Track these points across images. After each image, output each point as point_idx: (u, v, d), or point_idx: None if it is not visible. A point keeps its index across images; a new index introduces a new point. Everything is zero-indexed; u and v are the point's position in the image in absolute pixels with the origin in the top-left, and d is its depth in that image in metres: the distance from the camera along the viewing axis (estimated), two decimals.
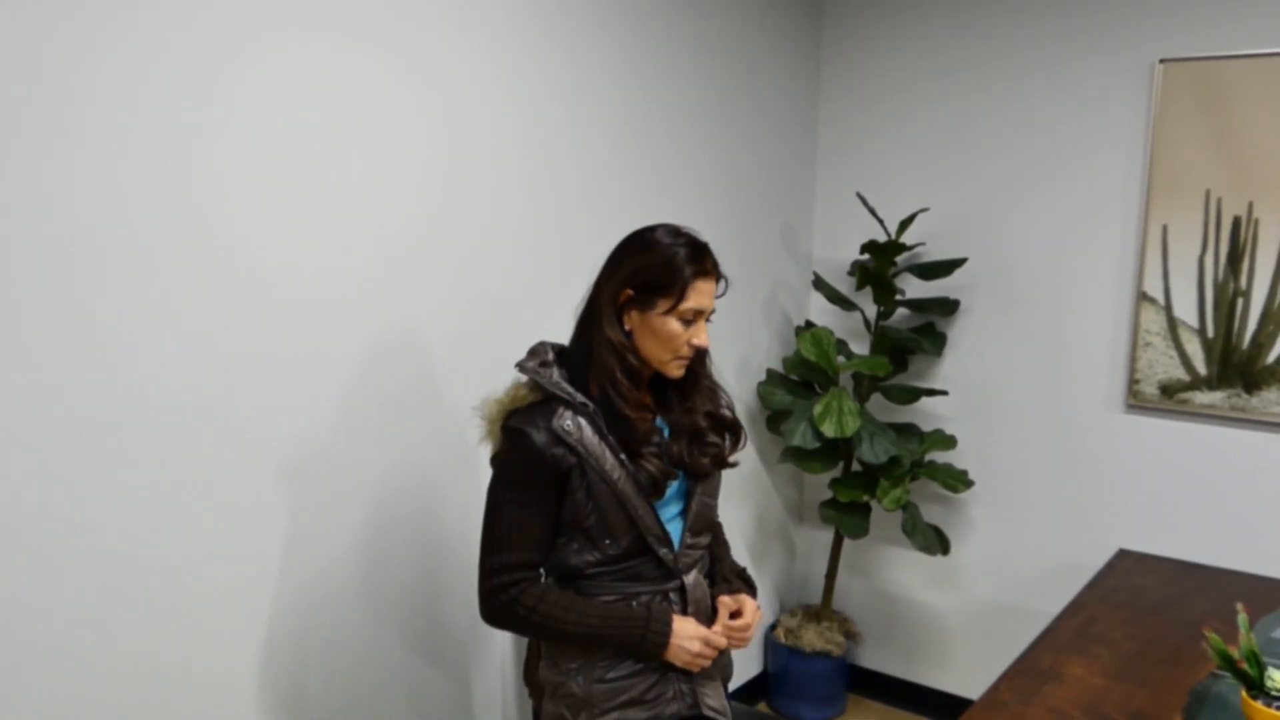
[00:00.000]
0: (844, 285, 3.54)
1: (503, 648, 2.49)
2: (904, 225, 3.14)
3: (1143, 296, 2.99)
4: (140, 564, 1.72)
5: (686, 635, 1.71)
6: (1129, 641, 2.11)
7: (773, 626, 3.57)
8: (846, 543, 3.60)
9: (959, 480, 3.18)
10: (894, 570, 3.58)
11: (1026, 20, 3.12)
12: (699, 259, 1.70)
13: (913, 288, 3.41)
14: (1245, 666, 1.59)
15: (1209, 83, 2.83)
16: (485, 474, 1.76)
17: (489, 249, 2.33)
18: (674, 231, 1.72)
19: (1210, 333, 2.91)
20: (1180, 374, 2.96)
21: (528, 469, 1.66)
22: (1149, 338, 3.00)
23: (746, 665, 3.51)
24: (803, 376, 3.32)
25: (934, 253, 3.36)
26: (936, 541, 3.17)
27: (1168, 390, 2.99)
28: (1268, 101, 2.75)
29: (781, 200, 3.41)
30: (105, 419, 1.65)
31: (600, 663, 1.73)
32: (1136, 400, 3.04)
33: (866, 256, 3.25)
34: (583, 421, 1.67)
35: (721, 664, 1.87)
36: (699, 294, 1.69)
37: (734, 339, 3.26)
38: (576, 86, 2.52)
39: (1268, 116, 2.76)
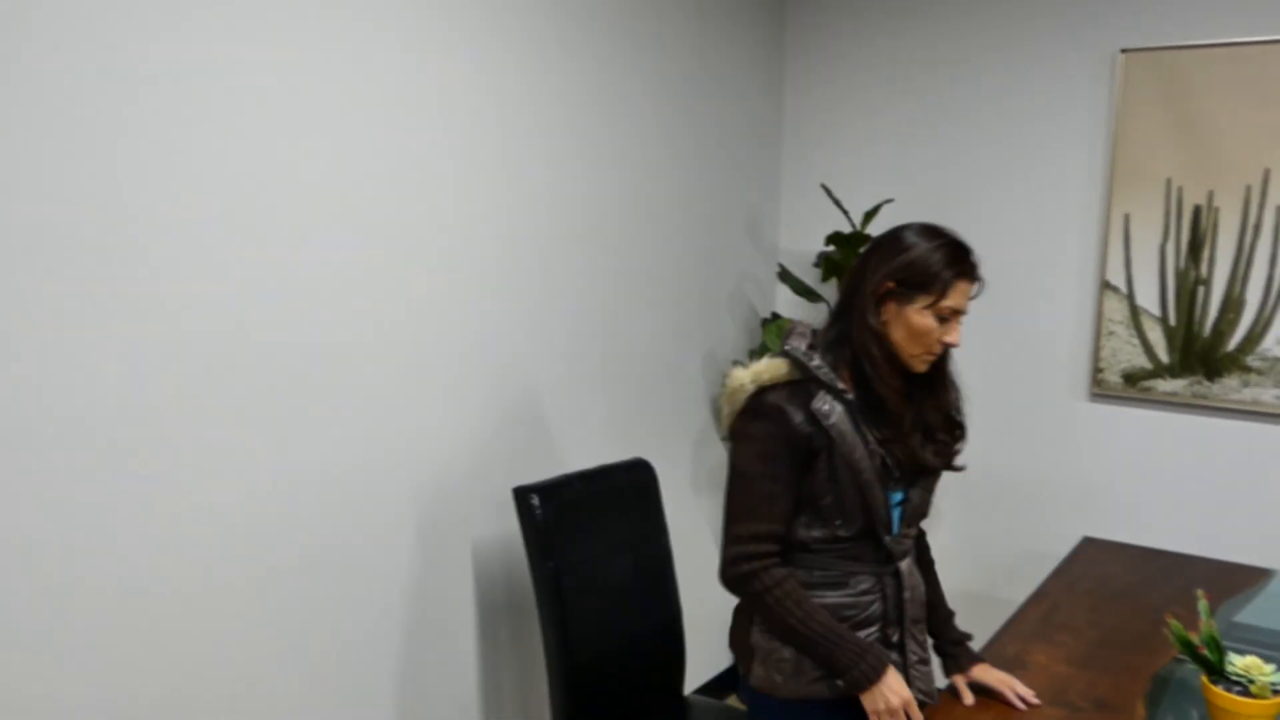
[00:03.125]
0: (810, 277, 3.54)
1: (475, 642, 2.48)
2: (869, 216, 3.14)
3: (1106, 285, 3.01)
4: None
5: (891, 688, 1.71)
6: (1093, 629, 2.12)
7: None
8: None
9: None
10: None
11: (989, 11, 3.13)
12: (961, 260, 1.73)
13: None
14: (1206, 652, 1.59)
15: (1170, 72, 2.85)
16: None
17: (448, 243, 2.30)
18: (936, 231, 1.76)
19: (1172, 321, 2.93)
20: (1143, 362, 2.98)
21: (783, 444, 1.73)
22: (1112, 326, 3.02)
23: (716, 658, 3.51)
24: None
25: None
26: None
27: (1131, 378, 3.00)
28: (1227, 91, 2.77)
29: (747, 192, 3.40)
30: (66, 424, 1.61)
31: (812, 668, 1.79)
32: (1100, 389, 3.05)
33: (832, 248, 3.24)
34: (839, 407, 1.73)
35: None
36: (958, 294, 1.73)
37: (700, 331, 3.25)
38: (540, 81, 2.49)
39: (1227, 106, 2.78)
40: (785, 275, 3.38)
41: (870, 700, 1.71)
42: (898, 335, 1.75)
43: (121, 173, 1.67)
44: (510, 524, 2.54)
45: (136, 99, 1.68)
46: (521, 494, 2.23)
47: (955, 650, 1.92)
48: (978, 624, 3.36)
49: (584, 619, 2.26)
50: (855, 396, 1.75)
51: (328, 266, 2.03)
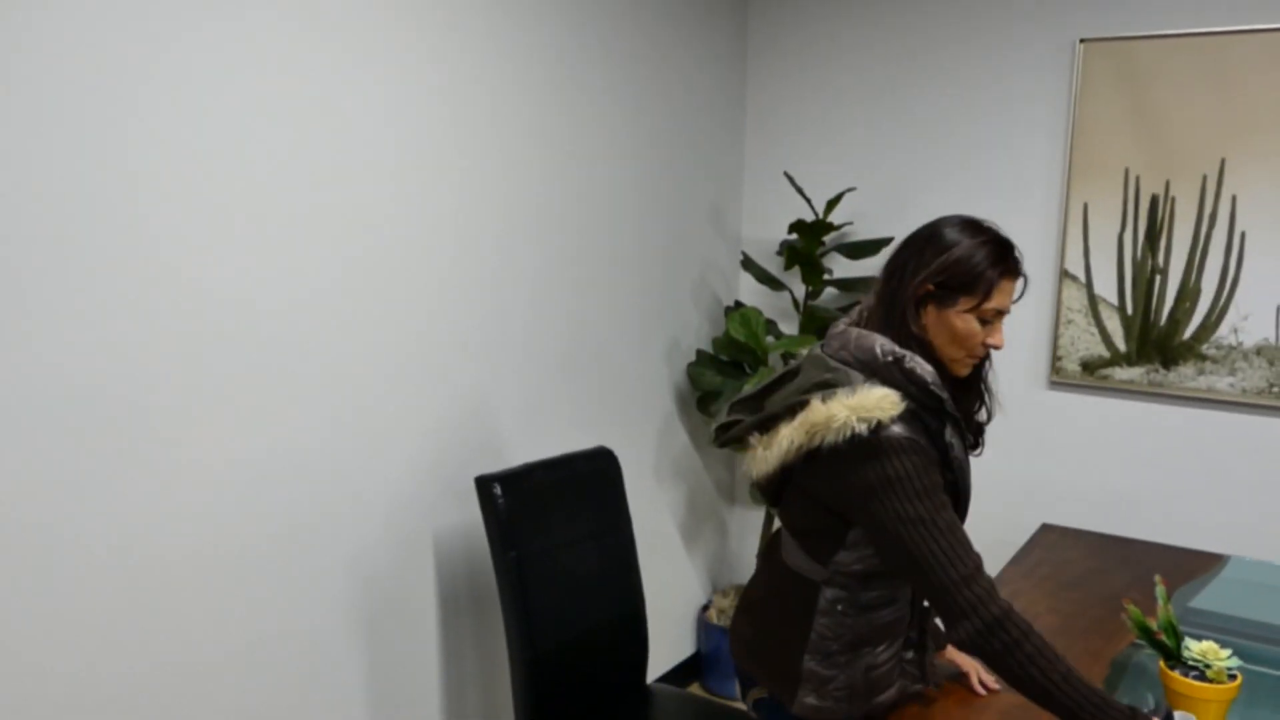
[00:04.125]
0: (773, 265, 3.54)
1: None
2: (831, 205, 3.14)
3: (1065, 274, 3.03)
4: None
5: None
6: (1052, 615, 2.14)
7: (705, 607, 3.57)
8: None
9: None
10: None
11: (951, 2, 3.14)
12: (1005, 258, 1.61)
13: (841, 267, 3.42)
14: (1163, 638, 1.61)
15: (1128, 63, 2.87)
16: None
17: (409, 233, 2.27)
18: (977, 226, 1.63)
19: (1129, 310, 2.96)
20: (1101, 350, 3.01)
21: (932, 476, 1.56)
22: (1071, 315, 3.04)
23: (679, 647, 3.51)
24: (732, 357, 3.32)
25: (861, 232, 3.37)
26: None
27: (1089, 366, 3.03)
28: (1185, 81, 2.80)
29: (710, 180, 3.39)
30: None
31: (873, 649, 1.70)
32: (1059, 376, 3.08)
33: (794, 236, 3.24)
34: (956, 435, 1.63)
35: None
36: (1003, 294, 1.61)
37: (664, 320, 3.24)
38: (499, 68, 2.47)
39: (1184, 96, 2.81)
40: (748, 263, 3.38)
41: None
42: (939, 339, 1.63)
43: (93, 162, 1.63)
44: (472, 513, 2.52)
45: (128, 97, 1.64)
46: (483, 483, 2.21)
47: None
48: None
49: (546, 609, 2.25)
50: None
51: (287, 257, 2.00)
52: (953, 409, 1.61)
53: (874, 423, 1.54)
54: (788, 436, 1.62)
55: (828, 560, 1.67)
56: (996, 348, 1.64)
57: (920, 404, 1.60)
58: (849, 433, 1.55)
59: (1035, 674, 1.46)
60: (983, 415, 1.77)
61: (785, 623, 1.74)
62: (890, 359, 1.60)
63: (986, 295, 1.59)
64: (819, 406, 1.58)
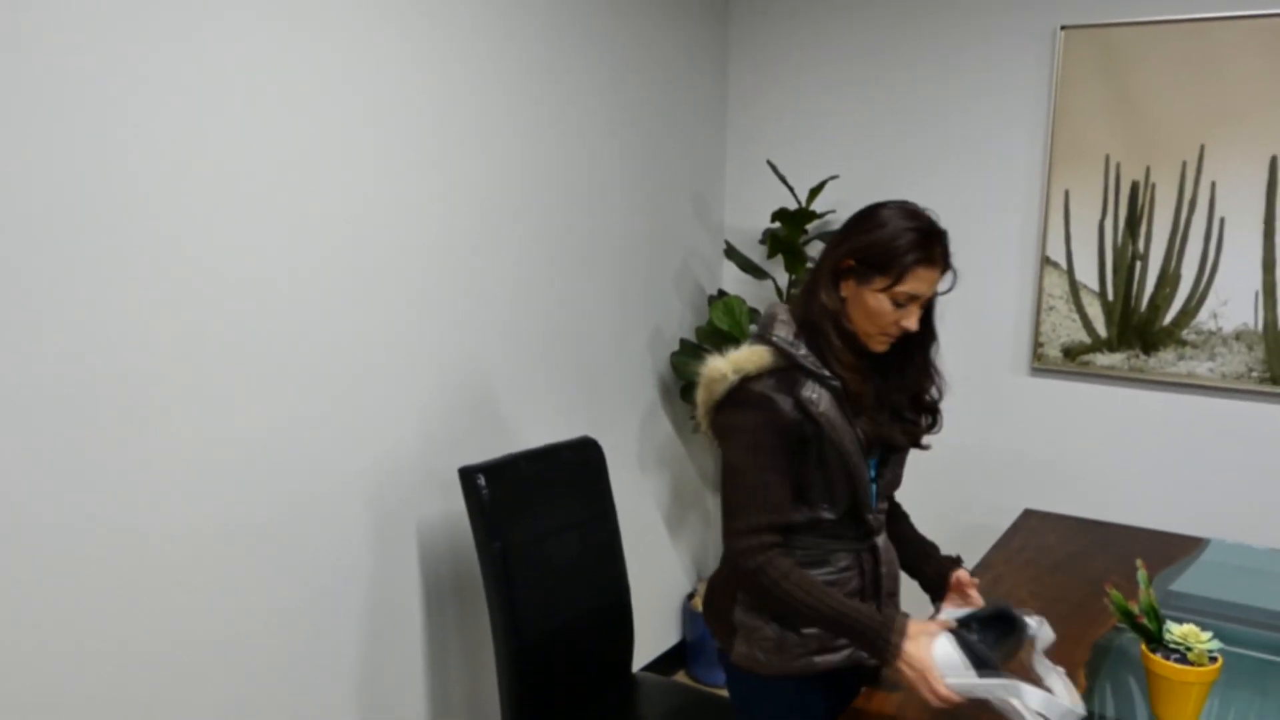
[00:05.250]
0: (756, 254, 3.54)
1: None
2: (814, 193, 3.14)
3: (1046, 261, 3.04)
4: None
5: (911, 662, 1.60)
6: (1034, 599, 2.15)
7: (690, 596, 3.57)
8: None
9: None
10: None
11: None
12: (925, 247, 1.67)
13: None
14: (1145, 621, 1.62)
15: (1109, 49, 2.88)
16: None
17: (392, 224, 2.26)
18: (911, 213, 1.70)
19: (1110, 296, 2.97)
20: (1082, 336, 3.03)
21: (773, 433, 1.68)
22: (1052, 301, 3.06)
23: (664, 635, 3.52)
24: (716, 346, 3.31)
25: (844, 220, 3.36)
26: None
27: (1070, 352, 3.05)
28: (1165, 68, 2.81)
29: (692, 169, 3.39)
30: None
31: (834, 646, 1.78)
32: (1041, 363, 3.10)
33: (777, 225, 3.24)
34: (826, 393, 1.69)
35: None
36: (917, 280, 1.67)
37: (647, 309, 3.23)
38: (481, 59, 2.45)
39: (1164, 82, 2.82)
40: (731, 252, 3.38)
41: (894, 673, 1.66)
42: (855, 313, 1.71)
43: (79, 154, 1.61)
44: (456, 504, 2.51)
45: (116, 91, 1.62)
46: (467, 474, 2.21)
47: (934, 552, 1.96)
48: (921, 596, 3.40)
49: (531, 598, 2.25)
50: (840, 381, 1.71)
51: (270, 246, 1.99)
52: (813, 365, 1.69)
53: (743, 374, 1.69)
54: (700, 396, 1.76)
55: None
56: (909, 330, 1.71)
57: (790, 362, 1.70)
58: (727, 384, 1.70)
59: (792, 606, 1.67)
60: (934, 394, 1.84)
61: (727, 576, 1.84)
62: (766, 321, 1.75)
63: (899, 278, 1.66)
64: (712, 363, 1.73)
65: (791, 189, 3.19)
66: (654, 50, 3.12)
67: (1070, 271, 3.01)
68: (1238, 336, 2.81)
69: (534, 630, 2.24)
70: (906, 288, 1.67)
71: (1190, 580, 2.25)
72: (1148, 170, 2.87)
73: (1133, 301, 2.94)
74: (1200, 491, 2.94)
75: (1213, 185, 2.79)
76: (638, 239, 3.14)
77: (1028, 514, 2.75)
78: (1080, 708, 1.51)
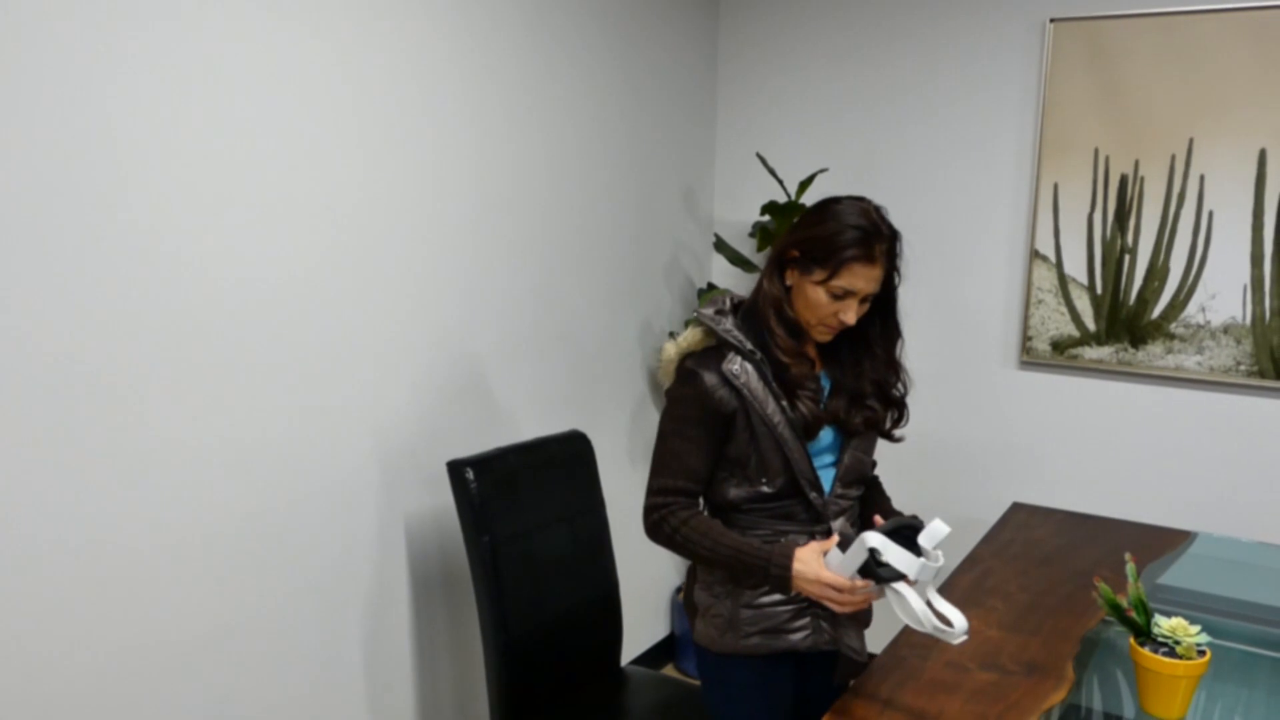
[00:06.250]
0: (745, 247, 3.53)
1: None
2: (803, 186, 3.14)
3: (1035, 254, 3.04)
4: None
5: (805, 579, 1.70)
6: (1023, 593, 2.15)
7: (679, 590, 3.57)
8: None
9: None
10: None
11: None
12: (865, 244, 1.72)
13: None
14: (1133, 614, 1.62)
15: (1098, 42, 2.88)
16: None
17: (380, 216, 2.24)
18: (862, 211, 1.74)
19: (1099, 289, 2.97)
20: (1071, 330, 3.03)
21: (695, 406, 1.78)
22: (1041, 295, 3.06)
23: (653, 629, 3.52)
24: None
25: None
26: None
27: (1059, 346, 3.05)
28: (1154, 61, 2.81)
29: (682, 162, 3.38)
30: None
31: (748, 589, 1.83)
32: (1030, 356, 3.10)
33: (767, 218, 3.24)
34: (749, 367, 1.77)
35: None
36: (853, 276, 1.72)
37: (636, 302, 3.22)
38: (470, 53, 2.43)
39: (1153, 76, 2.82)
40: (721, 245, 3.37)
41: (805, 595, 1.73)
42: (797, 302, 1.79)
43: (66, 150, 1.59)
44: (444, 498, 2.50)
45: (107, 84, 1.60)
46: (456, 468, 2.20)
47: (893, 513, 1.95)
48: None
49: (520, 592, 2.24)
50: (766, 356, 1.79)
51: (258, 242, 1.97)
52: (735, 340, 1.77)
53: (682, 353, 1.83)
54: (663, 382, 1.88)
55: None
56: (846, 325, 1.77)
57: (717, 339, 1.81)
58: (673, 364, 1.84)
59: (692, 552, 1.78)
60: (898, 388, 1.89)
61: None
62: (703, 303, 1.87)
63: (835, 273, 1.72)
64: (665, 348, 1.88)
65: (781, 182, 3.19)
66: (644, 43, 3.10)
67: (1059, 265, 3.01)
68: (1226, 330, 2.82)
69: (523, 623, 2.24)
70: (842, 282, 1.72)
71: (1178, 573, 2.25)
72: (1136, 163, 2.87)
73: (1121, 295, 2.94)
74: (1188, 485, 2.95)
75: (1201, 179, 2.79)
76: (627, 232, 3.13)
77: (1016, 507, 2.75)
78: (963, 622, 1.57)
